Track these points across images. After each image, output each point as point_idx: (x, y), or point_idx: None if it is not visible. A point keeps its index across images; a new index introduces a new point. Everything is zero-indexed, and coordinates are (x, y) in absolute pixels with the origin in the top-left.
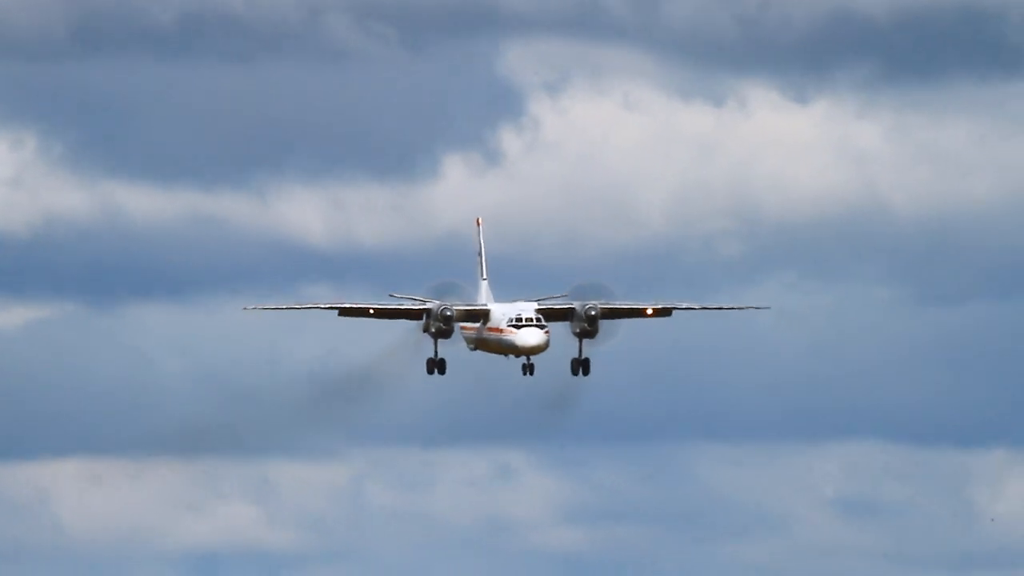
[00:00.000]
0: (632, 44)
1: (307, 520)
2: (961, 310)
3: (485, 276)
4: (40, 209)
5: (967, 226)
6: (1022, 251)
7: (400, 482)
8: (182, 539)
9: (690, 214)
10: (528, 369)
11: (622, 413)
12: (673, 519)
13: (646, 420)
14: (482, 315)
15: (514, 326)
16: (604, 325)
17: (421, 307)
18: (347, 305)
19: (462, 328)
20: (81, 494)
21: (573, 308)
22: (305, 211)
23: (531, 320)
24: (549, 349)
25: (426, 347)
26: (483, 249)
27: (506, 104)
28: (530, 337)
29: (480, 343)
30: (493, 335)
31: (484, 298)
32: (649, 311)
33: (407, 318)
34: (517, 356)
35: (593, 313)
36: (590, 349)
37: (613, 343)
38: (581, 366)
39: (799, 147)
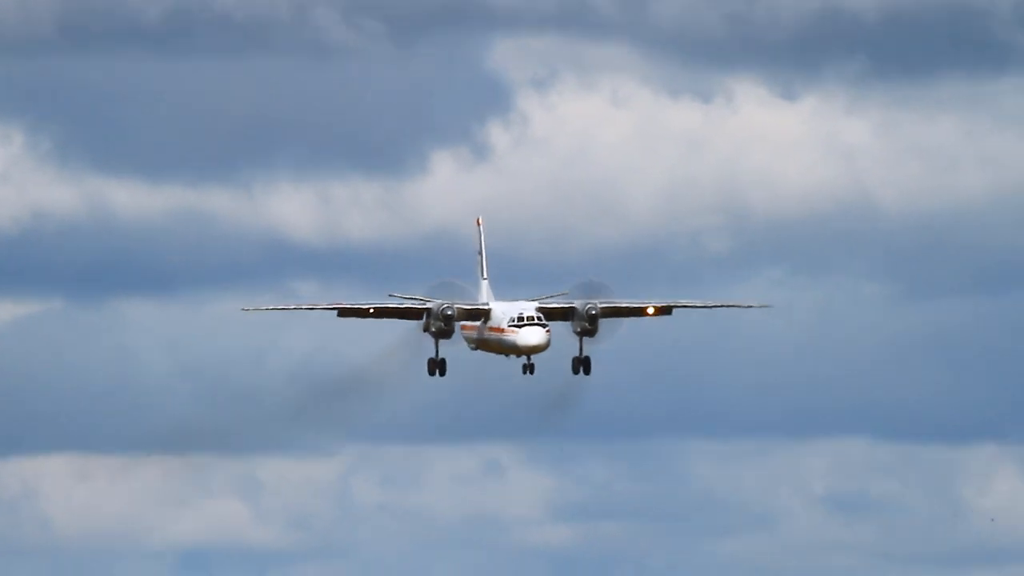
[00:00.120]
0: (621, 40)
1: (307, 519)
2: (950, 306)
3: (486, 275)
4: (28, 205)
5: (955, 222)
6: (1010, 247)
7: (400, 482)
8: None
9: (678, 210)
10: (529, 368)
11: (623, 412)
12: (674, 518)
13: (647, 419)
14: (483, 314)
15: (515, 325)
16: (605, 324)
17: (421, 307)
18: (347, 305)
19: (462, 328)
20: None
21: (574, 307)
22: (294, 207)
23: (532, 319)
24: (550, 348)
25: (426, 347)
26: (483, 248)
27: (495, 99)
28: (531, 336)
29: (481, 343)
30: (494, 335)
31: (485, 297)
32: (650, 310)
33: (407, 318)
34: (518, 356)
35: (594, 312)
36: (591, 348)
37: (614, 342)
38: (582, 365)
39: (787, 143)
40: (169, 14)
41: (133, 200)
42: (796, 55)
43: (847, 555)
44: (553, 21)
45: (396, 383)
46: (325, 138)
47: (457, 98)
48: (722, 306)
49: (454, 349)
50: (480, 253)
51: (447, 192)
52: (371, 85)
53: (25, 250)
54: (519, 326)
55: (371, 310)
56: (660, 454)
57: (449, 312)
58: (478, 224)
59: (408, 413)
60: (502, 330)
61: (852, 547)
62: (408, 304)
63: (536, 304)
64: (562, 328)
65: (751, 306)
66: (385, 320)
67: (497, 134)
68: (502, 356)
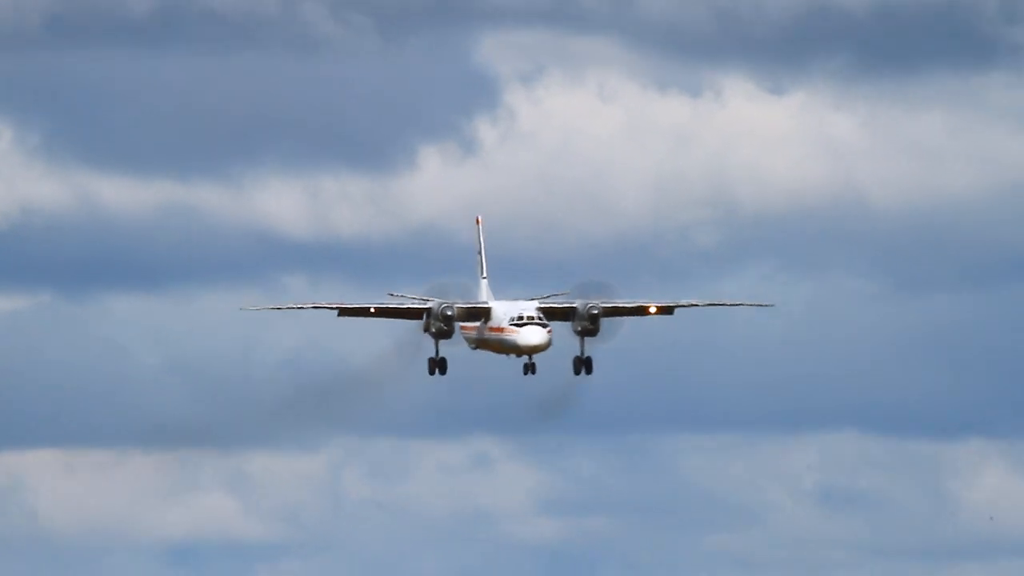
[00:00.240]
0: (609, 35)
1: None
2: (938, 300)
3: (485, 274)
4: (16, 200)
5: (944, 217)
6: (999, 242)
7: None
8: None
9: (668, 205)
10: (530, 368)
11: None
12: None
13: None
14: (483, 314)
15: (516, 325)
16: (606, 323)
17: (421, 306)
18: (347, 305)
19: (463, 328)
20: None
21: (575, 307)
22: (282, 203)
23: (533, 319)
24: (551, 348)
25: (427, 347)
26: (483, 247)
27: (484, 94)
28: (532, 336)
29: (481, 342)
30: (494, 334)
31: (484, 297)
32: (652, 309)
33: (407, 318)
34: (519, 355)
35: (595, 312)
36: (592, 348)
37: (615, 342)
38: (583, 365)
39: (775, 138)
40: (157, 9)
41: (121, 195)
42: (784, 50)
43: (854, 552)
44: (541, 16)
45: (396, 383)
46: (313, 134)
47: (446, 93)
48: (724, 305)
49: (454, 349)
50: (480, 252)
51: (437, 188)
52: (360, 80)
53: (13, 245)
54: (520, 325)
55: (371, 310)
56: (663, 453)
57: (449, 312)
58: (478, 223)
59: (409, 413)
60: (502, 330)
61: (858, 543)
62: (408, 304)
63: (537, 304)
64: (562, 328)
65: (754, 305)
66: (385, 320)
67: (486, 129)
68: (503, 356)
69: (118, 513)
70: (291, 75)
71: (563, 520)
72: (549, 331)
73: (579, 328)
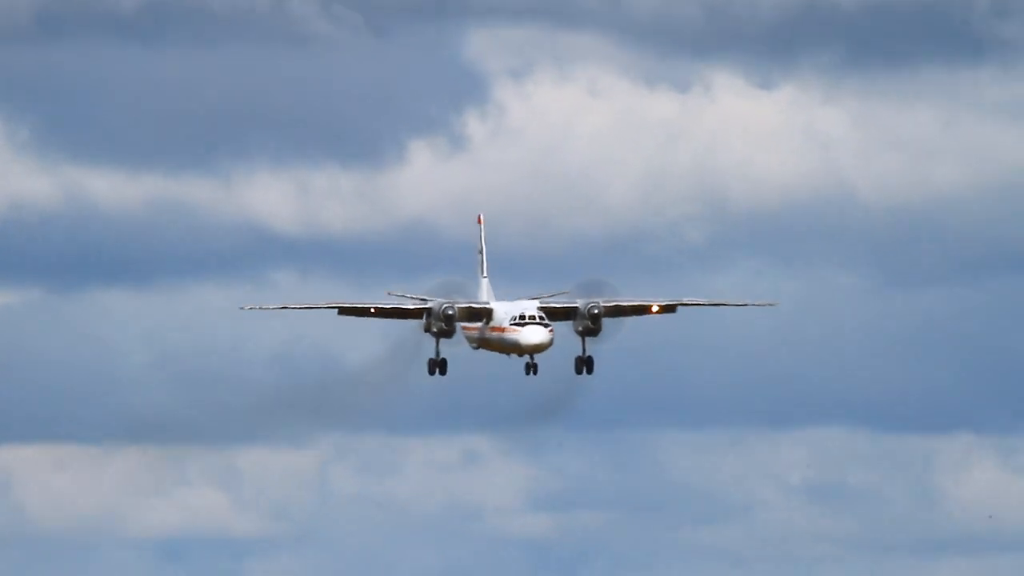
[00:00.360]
0: (599, 31)
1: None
2: (928, 295)
3: (486, 274)
4: (4, 195)
5: (933, 212)
6: (988, 237)
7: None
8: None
9: (658, 201)
10: (532, 368)
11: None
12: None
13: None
14: (484, 314)
15: (517, 324)
16: (607, 323)
17: (422, 306)
18: (347, 304)
19: (464, 327)
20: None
21: (576, 306)
22: (269, 197)
23: (534, 318)
24: (552, 348)
25: (427, 347)
26: (484, 247)
27: (472, 89)
28: (533, 335)
29: (482, 342)
30: (495, 334)
31: (486, 296)
32: (655, 308)
33: (408, 317)
34: (520, 355)
35: (597, 311)
36: (593, 347)
37: (617, 341)
38: (585, 365)
39: (764, 133)
40: (146, 4)
41: (111, 190)
42: (773, 45)
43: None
44: (531, 11)
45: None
46: (303, 129)
47: (436, 89)
48: (727, 304)
49: (455, 349)
50: (481, 251)
51: (426, 183)
52: (350, 76)
53: (1, 241)
54: (521, 325)
55: (372, 310)
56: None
57: (450, 312)
58: (479, 222)
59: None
60: (504, 329)
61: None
62: (409, 303)
63: (538, 303)
64: (564, 327)
65: (757, 304)
66: (385, 320)
67: (475, 124)
68: (504, 356)
69: (118, 512)
70: (282, 71)
71: (563, 520)
72: (550, 331)
73: (580, 328)
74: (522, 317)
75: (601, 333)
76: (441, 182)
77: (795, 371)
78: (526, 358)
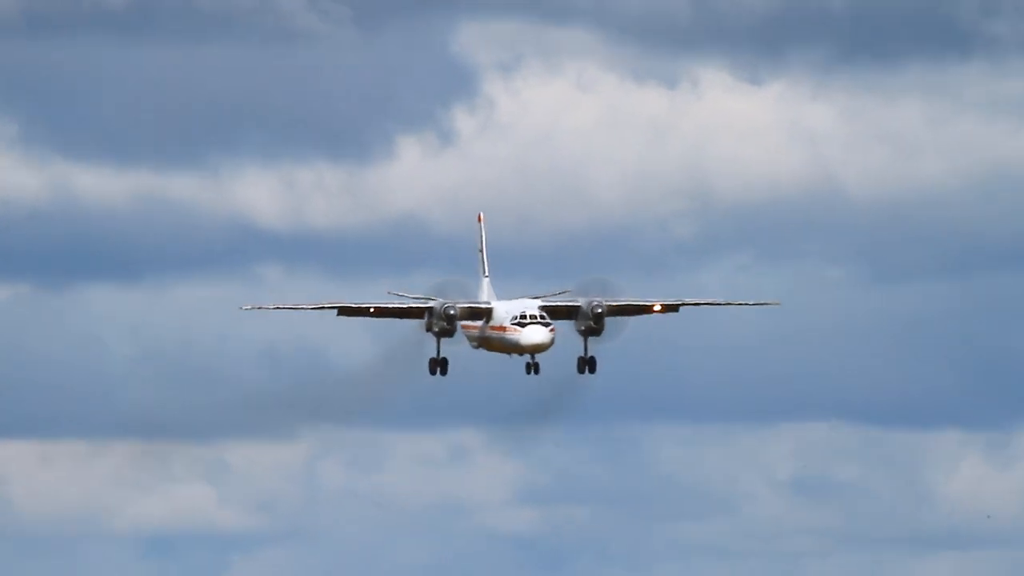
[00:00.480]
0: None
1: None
2: (916, 290)
3: (487, 273)
4: None
5: (921, 207)
6: (976, 232)
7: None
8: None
9: (644, 197)
10: (534, 368)
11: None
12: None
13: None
14: (485, 313)
15: (518, 324)
16: (610, 322)
17: (423, 306)
18: (347, 304)
19: (464, 327)
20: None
21: (579, 306)
22: (258, 193)
23: (535, 318)
24: (554, 347)
25: (428, 346)
26: (484, 246)
27: (461, 84)
28: (534, 335)
29: (483, 342)
30: (496, 334)
31: (487, 296)
32: (657, 307)
33: (408, 317)
34: (521, 355)
35: (599, 311)
36: (596, 347)
37: (619, 341)
38: (587, 364)
39: (752, 129)
40: None
41: (98, 185)
42: (761, 41)
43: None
44: (519, 6)
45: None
46: (291, 124)
47: (424, 83)
48: (731, 304)
49: (456, 348)
50: (481, 251)
51: (414, 178)
52: (339, 70)
53: None
54: (522, 325)
55: (372, 309)
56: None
57: (451, 311)
58: (479, 221)
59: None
60: (505, 329)
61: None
62: (409, 303)
63: (539, 302)
64: (566, 327)
65: (758, 303)
66: (386, 319)
67: (464, 119)
68: (505, 355)
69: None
70: (270, 65)
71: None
72: (551, 330)
73: (583, 327)
74: (523, 316)
75: (603, 332)
76: (431, 177)
77: (795, 371)
78: (527, 357)
